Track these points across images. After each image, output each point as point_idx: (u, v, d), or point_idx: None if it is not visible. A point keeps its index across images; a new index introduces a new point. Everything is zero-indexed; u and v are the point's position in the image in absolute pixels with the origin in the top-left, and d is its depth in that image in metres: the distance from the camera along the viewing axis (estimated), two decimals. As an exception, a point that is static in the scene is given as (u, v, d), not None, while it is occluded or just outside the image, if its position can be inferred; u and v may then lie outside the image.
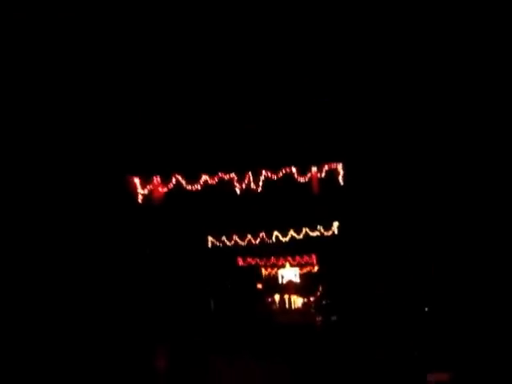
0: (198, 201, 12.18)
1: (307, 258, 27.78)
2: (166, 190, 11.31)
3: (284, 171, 11.46)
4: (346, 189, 12.29)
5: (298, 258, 28.11)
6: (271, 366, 9.73)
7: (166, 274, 15.55)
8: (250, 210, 15.25)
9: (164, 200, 11.37)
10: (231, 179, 11.32)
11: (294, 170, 11.52)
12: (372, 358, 10.46)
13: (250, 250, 24.79)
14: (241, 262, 27.72)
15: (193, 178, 11.33)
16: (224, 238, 20.06)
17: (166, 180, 11.33)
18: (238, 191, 11.28)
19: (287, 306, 47.57)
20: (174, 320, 16.37)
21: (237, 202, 12.58)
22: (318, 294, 27.03)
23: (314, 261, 27.93)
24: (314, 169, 11.54)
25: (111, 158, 11.06)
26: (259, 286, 37.78)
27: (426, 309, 13.42)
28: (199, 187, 11.26)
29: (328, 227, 19.88)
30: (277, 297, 45.37)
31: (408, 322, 12.68)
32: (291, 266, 36.51)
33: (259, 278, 36.68)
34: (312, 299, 46.75)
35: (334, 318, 21.53)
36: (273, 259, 28.35)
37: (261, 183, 11.38)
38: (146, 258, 13.67)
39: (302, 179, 11.45)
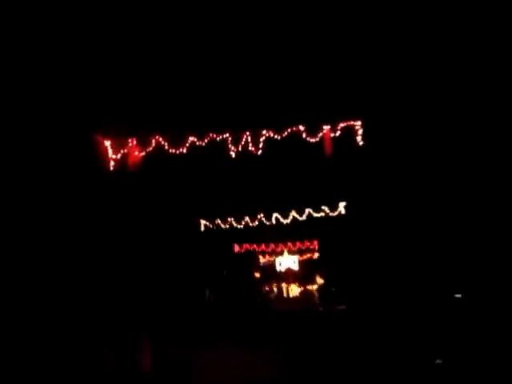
0: (184, 171, 9.86)
1: (308, 243, 25.53)
2: (144, 154, 9.03)
3: (290, 130, 9.18)
4: (361, 157, 10.03)
5: (298, 243, 25.85)
6: (261, 356, 9.54)
7: (151, 261, 13.30)
8: (247, 184, 12.91)
9: (142, 168, 9.07)
10: (225, 140, 9.03)
11: (301, 128, 9.25)
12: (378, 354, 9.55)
13: (246, 235, 22.59)
14: (237, 249, 25.52)
15: (177, 140, 9.04)
16: (218, 220, 17.82)
17: (144, 143, 9.03)
18: (233, 154, 8.99)
19: (285, 294, 45.99)
20: (162, 311, 14.58)
21: (232, 173, 10.33)
22: (322, 281, 24.88)
23: (316, 246, 25.69)
24: (327, 127, 9.28)
25: (75, 115, 8.75)
26: (256, 274, 35.73)
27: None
28: (185, 151, 8.98)
29: (334, 207, 17.67)
30: (275, 285, 43.62)
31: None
32: (290, 253, 34.44)
33: (256, 265, 34.59)
34: (314, 287, 44.93)
35: (341, 307, 19.37)
36: (271, 245, 26.08)
37: (261, 145, 9.10)
38: (126, 242, 11.38)
39: (311, 139, 9.17)
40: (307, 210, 17.52)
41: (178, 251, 16.12)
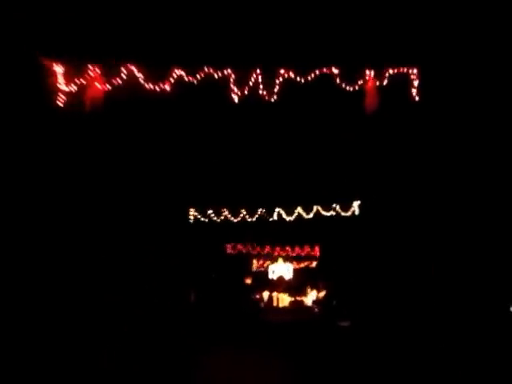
0: (165, 118, 6.94)
1: (309, 249, 22.63)
2: (109, 90, 6.17)
3: (318, 73, 6.38)
4: (414, 119, 7.22)
5: (297, 248, 22.92)
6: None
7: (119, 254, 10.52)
8: (248, 155, 10.04)
9: (105, 110, 6.20)
10: (226, 78, 6.21)
11: (335, 71, 6.45)
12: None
13: (241, 234, 19.74)
14: (229, 250, 22.60)
15: (159, 73, 6.22)
16: (211, 211, 14.92)
17: (110, 72, 6.19)
18: (235, 99, 6.15)
19: (275, 304, 43.65)
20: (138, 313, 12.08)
21: (233, 129, 7.47)
22: (324, 292, 21.93)
23: (317, 253, 22.78)
24: (370, 73, 6.49)
25: (15, 28, 5.95)
26: (248, 280, 32.81)
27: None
28: (168, 88, 6.14)
29: (347, 206, 14.85)
30: (265, 294, 41.17)
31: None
32: (285, 260, 31.55)
33: (248, 271, 31.62)
34: (306, 298, 42.30)
35: (344, 323, 16.49)
36: (267, 248, 23.13)
37: (277, 89, 6.28)
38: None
39: (347, 87, 6.36)
40: (315, 208, 14.70)
41: (159, 243, 13.28)
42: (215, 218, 14.77)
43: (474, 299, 10.95)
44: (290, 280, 34.59)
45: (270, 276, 33.59)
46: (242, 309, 23.24)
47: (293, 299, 44.39)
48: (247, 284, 33.03)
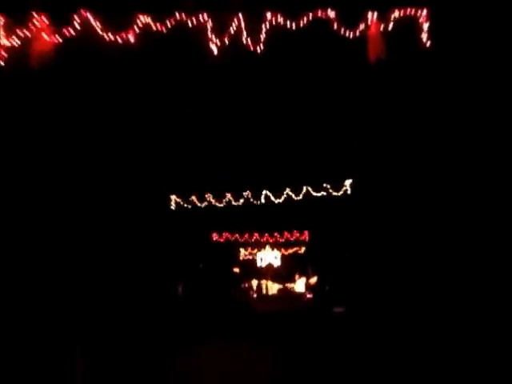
0: (130, 78, 5.79)
1: (298, 234, 21.67)
2: (60, 42, 5.03)
3: (312, 16, 5.34)
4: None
5: (286, 233, 21.92)
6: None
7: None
8: (230, 126, 8.93)
9: (56, 66, 5.06)
10: (202, 26, 5.11)
11: (331, 15, 5.40)
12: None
13: (228, 221, 18.69)
14: (216, 238, 21.53)
15: (120, 21, 5.09)
16: (194, 198, 13.81)
17: (61, 21, 5.04)
18: (214, 50, 5.08)
19: (265, 292, 43.03)
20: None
21: (212, 94, 6.37)
22: (316, 278, 20.96)
23: (306, 237, 21.83)
24: (373, 15, 5.46)
25: None
26: (236, 269, 31.82)
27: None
28: (132, 39, 5.03)
29: (339, 185, 13.87)
30: (254, 282, 40.49)
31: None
32: (272, 247, 30.62)
33: (236, 259, 30.63)
34: (294, 285, 41.59)
35: (339, 309, 15.60)
36: (256, 235, 22.11)
37: (263, 37, 5.21)
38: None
39: (347, 33, 5.32)
40: (305, 188, 13.69)
41: (139, 234, 12.17)
42: (199, 204, 13.70)
43: (473, 282, 9.92)
44: (278, 267, 33.75)
45: (259, 264, 32.68)
46: (232, 299, 22.32)
47: (281, 287, 43.71)
48: (236, 273, 32.10)
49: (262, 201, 13.60)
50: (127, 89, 6.17)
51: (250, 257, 30.50)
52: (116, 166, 9.95)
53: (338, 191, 13.67)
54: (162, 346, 10.77)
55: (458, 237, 10.72)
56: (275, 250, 30.70)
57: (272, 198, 13.62)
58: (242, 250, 27.83)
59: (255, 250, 28.51)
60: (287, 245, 25.48)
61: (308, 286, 29.77)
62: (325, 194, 13.60)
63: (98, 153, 8.14)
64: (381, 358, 8.57)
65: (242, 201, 13.62)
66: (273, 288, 44.64)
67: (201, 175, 12.34)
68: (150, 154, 10.31)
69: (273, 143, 10.63)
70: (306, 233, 21.52)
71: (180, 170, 11.77)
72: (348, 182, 13.63)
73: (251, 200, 13.52)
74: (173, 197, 13.65)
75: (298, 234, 21.68)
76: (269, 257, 32.74)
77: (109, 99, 6.44)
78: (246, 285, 35.42)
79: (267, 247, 30.22)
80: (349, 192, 13.62)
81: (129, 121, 7.28)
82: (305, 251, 26.75)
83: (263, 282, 43.79)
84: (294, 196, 13.67)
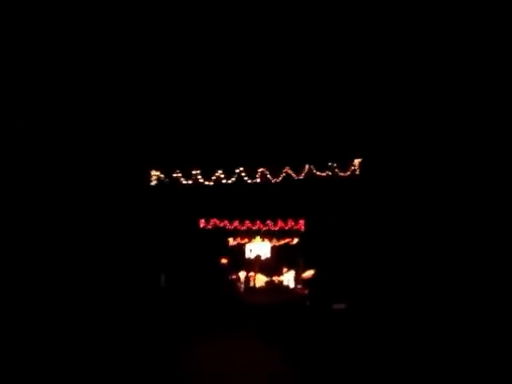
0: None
1: (293, 223, 19.64)
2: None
3: None
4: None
5: (280, 222, 19.89)
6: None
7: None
8: (223, 95, 7.03)
9: None
10: None
11: None
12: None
13: (216, 205, 16.67)
14: (202, 224, 19.41)
15: None
16: (179, 173, 11.66)
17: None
18: None
19: (253, 284, 41.38)
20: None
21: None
22: (312, 271, 18.92)
23: (302, 227, 19.81)
24: None
25: None
26: (224, 260, 29.82)
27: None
28: None
29: (347, 164, 11.83)
30: (242, 274, 38.72)
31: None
32: (262, 238, 28.69)
33: (224, 250, 28.57)
34: (283, 278, 39.73)
35: (339, 306, 13.68)
36: (247, 223, 20.02)
37: None
38: None
39: None
40: (307, 167, 11.67)
41: (106, 214, 10.09)
42: (184, 181, 11.61)
43: (480, 275, 10.06)
44: (266, 259, 31.95)
45: (248, 255, 30.82)
46: (219, 292, 20.34)
47: (269, 279, 41.91)
48: (223, 264, 30.14)
49: (257, 180, 11.55)
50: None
51: (239, 247, 28.48)
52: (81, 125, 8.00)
53: (345, 171, 11.70)
54: (144, 345, 8.98)
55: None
56: (266, 240, 28.73)
57: (269, 176, 11.59)
58: (231, 240, 25.75)
59: (245, 240, 26.46)
60: (280, 235, 23.41)
61: (300, 280, 27.91)
62: (330, 173, 11.62)
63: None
64: (387, 363, 7.41)
65: (233, 179, 11.56)
66: (260, 280, 42.89)
67: (187, 146, 10.33)
68: (127, 116, 8.38)
69: (273, 112, 8.76)
70: (302, 222, 19.48)
71: (163, 139, 9.77)
72: (357, 161, 11.68)
73: (245, 178, 11.47)
74: (154, 172, 11.55)
75: (292, 223, 19.65)
76: (258, 248, 30.80)
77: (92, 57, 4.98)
78: (234, 277, 33.51)
79: (257, 238, 28.32)
80: (357, 172, 11.67)
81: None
82: (298, 242, 24.77)
83: (251, 274, 42.03)
84: (294, 175, 11.67)
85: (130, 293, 12.76)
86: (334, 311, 13.60)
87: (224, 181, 11.50)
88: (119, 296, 11.87)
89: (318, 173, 11.62)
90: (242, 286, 35.56)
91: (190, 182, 11.52)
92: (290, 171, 11.65)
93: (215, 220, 19.64)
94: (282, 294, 28.00)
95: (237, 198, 14.17)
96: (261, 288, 39.08)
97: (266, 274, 42.48)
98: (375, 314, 12.22)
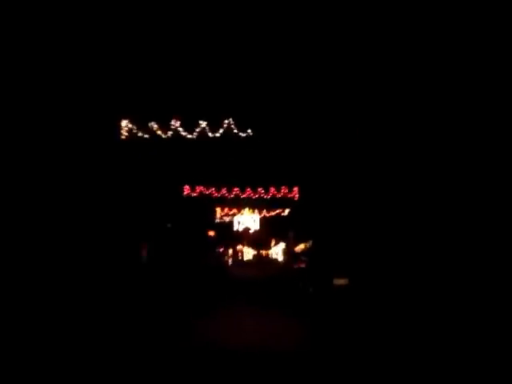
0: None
1: (286, 190, 17.75)
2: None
3: None
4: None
5: (272, 189, 17.97)
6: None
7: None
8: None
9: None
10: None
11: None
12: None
13: (202, 171, 14.69)
14: (187, 191, 17.36)
15: None
16: (153, 123, 9.55)
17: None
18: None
19: (240, 258, 40.65)
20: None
21: None
22: (307, 243, 16.92)
23: (296, 195, 17.95)
24: None
25: None
26: (211, 232, 27.91)
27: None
28: None
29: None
30: (234, 248, 37.63)
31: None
32: (251, 210, 26.83)
33: (212, 221, 26.63)
34: (272, 251, 38.36)
35: (340, 281, 11.86)
36: (236, 190, 18.05)
37: None
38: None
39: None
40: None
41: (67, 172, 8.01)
42: (161, 134, 9.54)
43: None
44: (255, 232, 30.26)
45: (236, 228, 29.00)
46: (207, 266, 18.46)
47: (257, 252, 40.52)
48: (210, 237, 28.29)
49: (249, 132, 9.54)
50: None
51: (227, 218, 26.54)
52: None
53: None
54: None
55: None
56: (256, 212, 26.72)
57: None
58: (218, 210, 23.79)
59: (233, 211, 24.51)
60: (271, 205, 21.42)
61: (290, 253, 26.17)
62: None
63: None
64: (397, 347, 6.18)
65: (220, 132, 9.52)
66: (249, 254, 41.43)
67: (165, 92, 8.30)
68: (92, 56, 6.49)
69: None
70: (296, 189, 17.61)
71: (136, 82, 7.73)
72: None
73: (234, 130, 9.45)
74: (124, 123, 9.43)
75: (286, 191, 17.77)
76: (247, 221, 28.90)
77: None
78: (222, 250, 31.84)
79: (246, 210, 26.41)
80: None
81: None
82: (289, 213, 22.84)
83: (239, 247, 40.46)
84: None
85: (108, 270, 10.94)
86: (335, 287, 11.79)
87: (210, 133, 9.46)
88: (96, 272, 10.09)
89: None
90: (230, 259, 34.03)
91: (170, 134, 9.44)
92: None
93: (201, 188, 17.69)
94: (271, 267, 26.40)
95: (223, 161, 12.21)
96: (248, 262, 37.77)
97: (255, 248, 40.97)
98: (381, 289, 10.49)
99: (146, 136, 9.63)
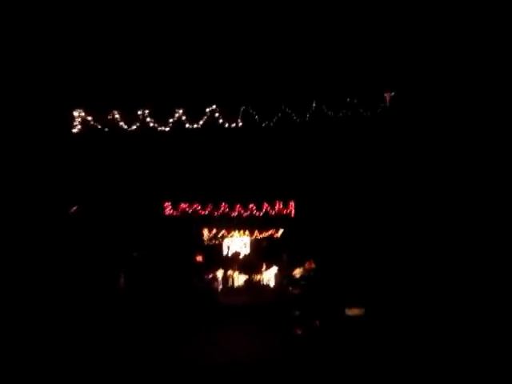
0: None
1: (280, 205, 15.51)
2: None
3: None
4: None
5: (265, 204, 15.72)
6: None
7: None
8: None
9: None
10: None
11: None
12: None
13: (182, 185, 12.44)
14: (169, 210, 14.93)
15: None
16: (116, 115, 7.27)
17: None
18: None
19: (231, 284, 37.92)
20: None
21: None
22: (311, 263, 14.52)
23: (292, 211, 15.70)
24: None
25: None
26: (199, 257, 25.49)
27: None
28: None
29: (372, 99, 7.72)
30: (220, 273, 34.93)
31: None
32: (241, 232, 24.60)
33: (199, 244, 24.24)
34: (266, 275, 36.04)
35: (354, 311, 9.59)
36: (224, 206, 15.74)
37: None
38: None
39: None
40: (314, 104, 7.51)
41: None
42: (125, 126, 7.28)
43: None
44: (245, 256, 28.03)
45: (225, 253, 26.72)
46: (194, 294, 16.17)
47: (247, 277, 38.09)
48: (198, 262, 25.91)
49: (239, 123, 7.33)
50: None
51: (216, 241, 24.15)
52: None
53: (370, 110, 7.64)
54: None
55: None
56: (246, 233, 24.44)
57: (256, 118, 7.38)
58: (206, 232, 21.40)
59: (222, 232, 22.13)
60: (263, 225, 19.08)
61: (283, 278, 23.80)
62: (349, 113, 7.52)
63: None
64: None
65: (201, 122, 7.29)
66: (240, 280, 39.05)
67: (128, 77, 6.12)
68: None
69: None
70: (292, 204, 15.37)
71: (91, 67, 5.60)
72: (388, 95, 7.66)
73: (220, 121, 7.22)
74: (77, 112, 7.16)
75: (280, 206, 15.51)
76: (237, 244, 26.63)
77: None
78: (210, 276, 29.23)
79: (235, 234, 24.16)
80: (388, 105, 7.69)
81: None
82: (283, 233, 20.58)
83: (229, 272, 38.07)
84: (295, 117, 7.50)
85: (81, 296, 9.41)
86: (348, 318, 9.51)
87: (188, 125, 7.25)
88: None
89: (330, 112, 7.52)
90: (220, 286, 31.48)
91: (135, 127, 7.18)
92: (289, 111, 7.50)
93: (183, 205, 15.36)
94: (264, 293, 24.06)
95: (208, 172, 10.07)
96: (239, 288, 35.40)
97: (246, 272, 38.59)
98: (400, 319, 8.70)
99: (106, 129, 7.35)
